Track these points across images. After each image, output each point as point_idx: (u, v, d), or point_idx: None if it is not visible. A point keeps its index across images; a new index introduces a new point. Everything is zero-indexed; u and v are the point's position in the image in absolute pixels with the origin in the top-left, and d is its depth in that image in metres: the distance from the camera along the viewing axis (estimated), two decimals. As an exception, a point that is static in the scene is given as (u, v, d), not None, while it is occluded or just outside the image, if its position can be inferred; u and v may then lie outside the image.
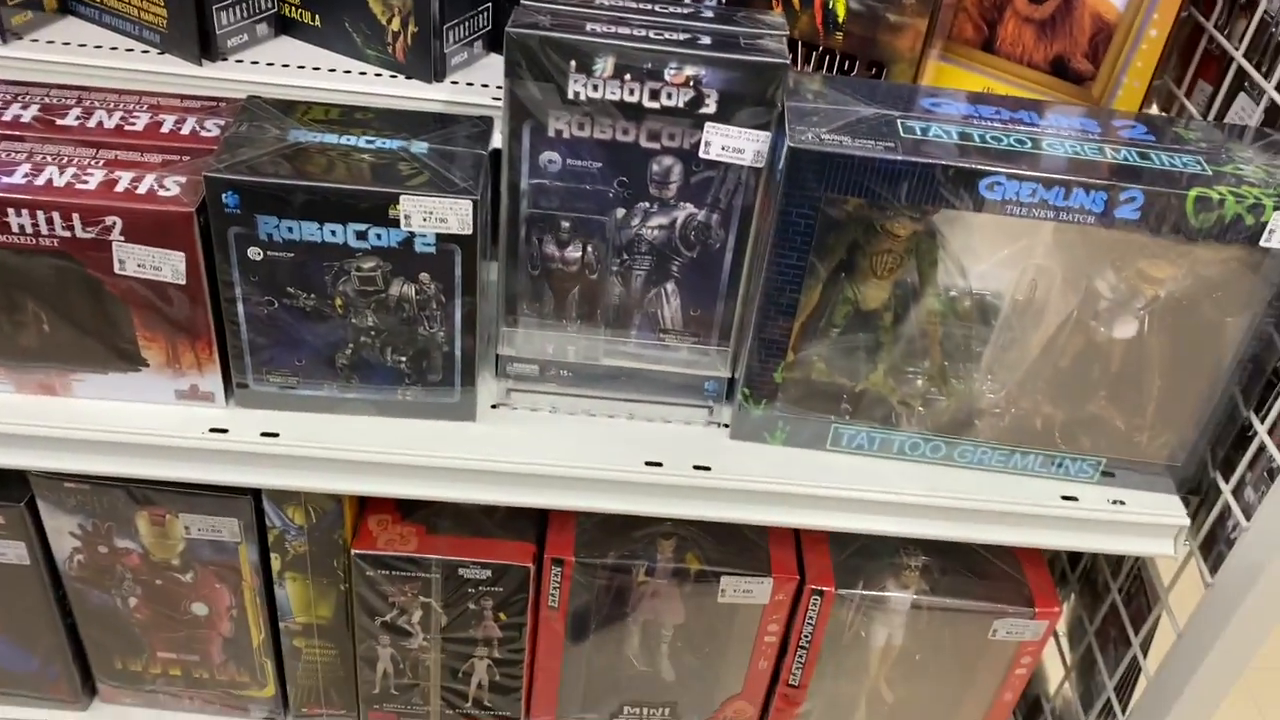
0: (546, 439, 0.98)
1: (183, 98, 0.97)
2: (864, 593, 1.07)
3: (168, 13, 0.99)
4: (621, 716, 1.21)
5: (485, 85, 1.02)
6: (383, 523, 1.06)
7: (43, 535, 1.03)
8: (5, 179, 0.84)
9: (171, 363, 0.92)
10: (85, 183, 0.84)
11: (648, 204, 0.94)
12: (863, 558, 1.09)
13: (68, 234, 0.84)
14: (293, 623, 1.10)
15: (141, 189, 0.84)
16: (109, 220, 0.83)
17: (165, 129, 0.92)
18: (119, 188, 0.84)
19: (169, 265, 0.86)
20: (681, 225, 0.95)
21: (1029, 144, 0.85)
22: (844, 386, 0.97)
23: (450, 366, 0.94)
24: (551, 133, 0.90)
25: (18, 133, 0.89)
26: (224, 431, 0.94)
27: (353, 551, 1.04)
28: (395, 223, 0.85)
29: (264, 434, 0.94)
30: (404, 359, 0.93)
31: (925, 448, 0.98)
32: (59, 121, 0.91)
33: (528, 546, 1.06)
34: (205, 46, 1.00)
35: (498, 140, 0.93)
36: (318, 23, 1.04)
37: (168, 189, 0.85)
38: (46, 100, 0.94)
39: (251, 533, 1.02)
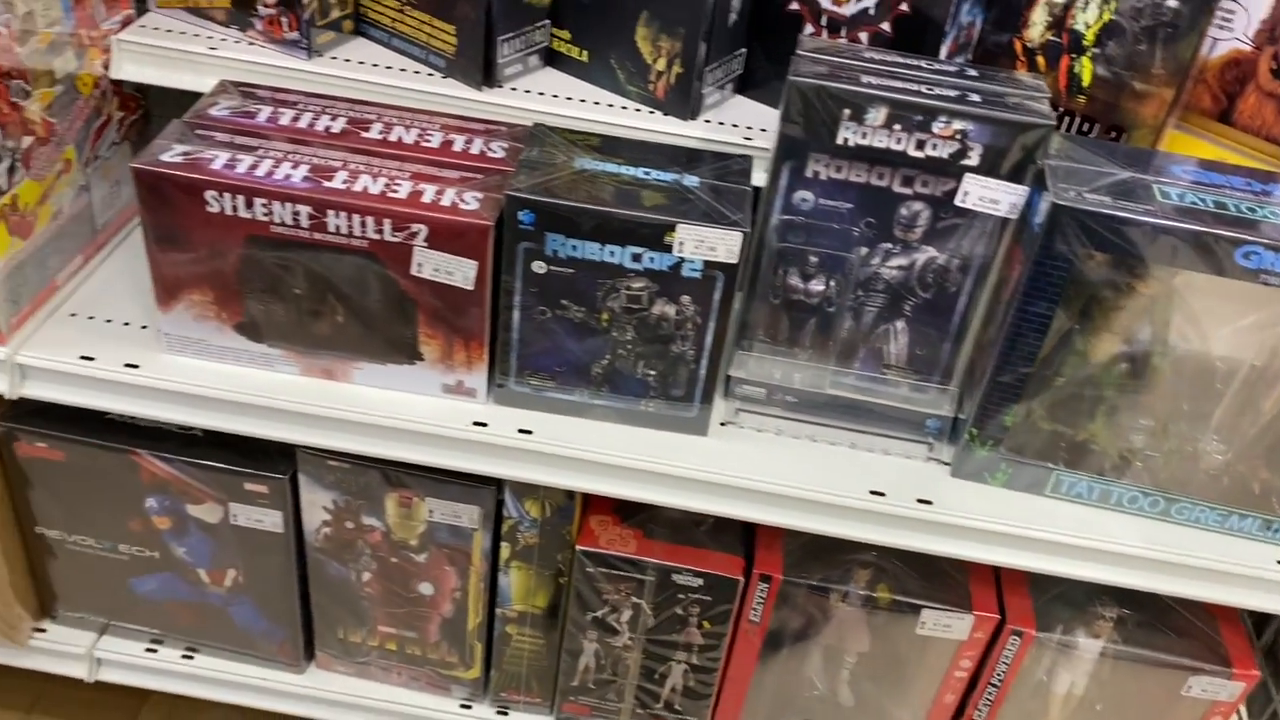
0: (773, 459, 1.04)
1: (465, 119, 1.07)
2: (1061, 637, 1.10)
3: (457, 42, 1.08)
4: (802, 733, 1.25)
5: (735, 125, 1.10)
6: (603, 523, 1.13)
7: (297, 507, 1.13)
8: (326, 184, 0.93)
9: (445, 359, 1.01)
10: (396, 192, 0.94)
11: (890, 245, 0.99)
12: (1060, 603, 1.12)
13: (377, 236, 0.93)
14: (509, 610, 1.18)
15: (445, 201, 0.93)
16: (415, 227, 0.92)
17: (456, 147, 1.01)
18: (425, 199, 0.93)
19: (461, 271, 0.95)
20: (921, 267, 1.00)
21: (1286, 216, 0.88)
22: (1066, 435, 1.01)
23: (693, 383, 1.01)
24: (810, 173, 0.97)
25: (331, 142, 0.99)
26: (484, 425, 1.02)
27: (577, 547, 1.11)
28: (669, 248, 0.92)
29: (520, 430, 1.02)
30: (653, 373, 1.00)
31: (1143, 501, 1.01)
32: (364, 134, 1.01)
33: (738, 560, 1.12)
34: (488, 74, 1.09)
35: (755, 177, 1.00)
36: (585, 58, 1.13)
37: (468, 203, 0.93)
38: (352, 114, 1.04)
39: (489, 521, 1.10)
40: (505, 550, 1.13)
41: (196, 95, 1.05)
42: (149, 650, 1.28)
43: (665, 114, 1.10)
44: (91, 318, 1.08)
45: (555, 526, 1.10)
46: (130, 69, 1.10)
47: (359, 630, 1.23)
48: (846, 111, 0.91)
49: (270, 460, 1.11)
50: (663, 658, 1.18)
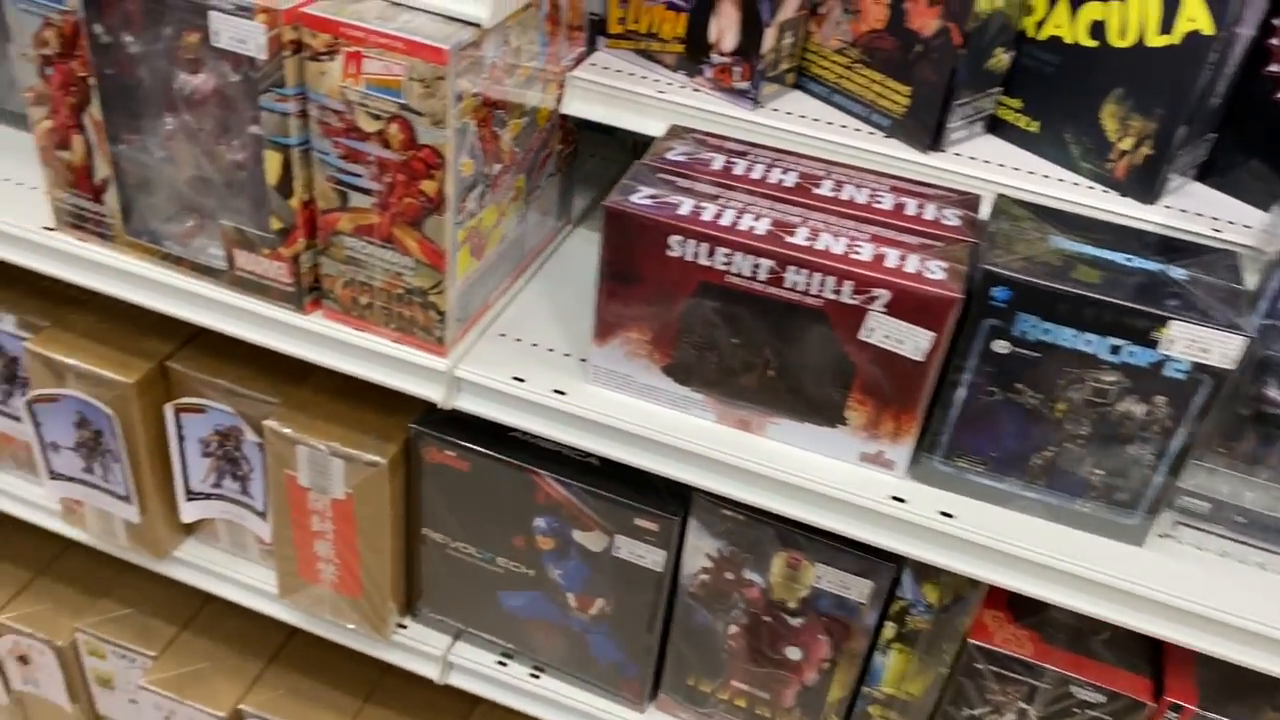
0: (1217, 581, 0.94)
1: (909, 181, 1.04)
2: None
3: (910, 103, 1.06)
4: None
5: (1199, 214, 1.02)
6: (998, 620, 1.07)
7: (680, 549, 1.13)
8: (788, 238, 0.92)
9: (870, 427, 0.98)
10: (858, 253, 0.91)
11: (1391, 366, 0.89)
12: None
13: (834, 297, 0.91)
14: (878, 690, 1.13)
15: (909, 268, 0.90)
16: (877, 292, 0.90)
17: (909, 211, 0.98)
18: (888, 263, 0.91)
19: (913, 341, 0.91)
20: None
21: None
22: None
23: (1143, 490, 0.93)
24: (1308, 277, 0.88)
25: (785, 195, 0.98)
26: (902, 501, 0.98)
27: (971, 641, 1.05)
28: (1154, 344, 0.85)
29: (941, 512, 0.97)
30: (1100, 472, 0.93)
31: None
32: (815, 190, 1.00)
33: (1145, 682, 1.03)
34: (935, 137, 1.06)
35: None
36: (1035, 129, 1.08)
37: (933, 272, 0.90)
38: (801, 169, 1.03)
39: (878, 598, 1.06)
40: (889, 630, 1.08)
41: (629, 134, 1.07)
42: (499, 663, 1.31)
43: (1123, 195, 1.03)
44: (519, 340, 1.12)
45: (951, 616, 1.05)
46: (579, 105, 1.14)
47: (711, 680, 1.22)
48: (1384, 216, 0.82)
49: (663, 500, 1.11)
50: (1038, 770, 1.10)
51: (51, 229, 1.16)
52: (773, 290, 0.93)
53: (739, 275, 0.93)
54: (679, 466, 1.04)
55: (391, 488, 1.19)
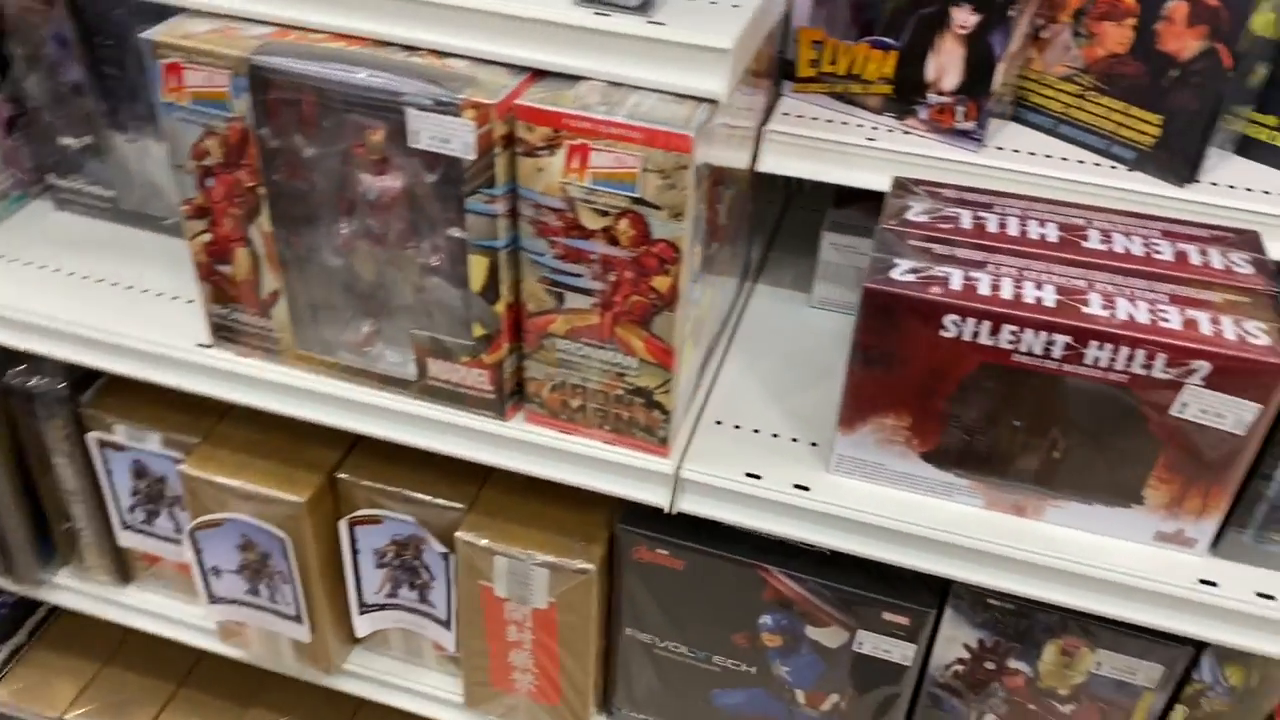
0: None
1: (1175, 221, 0.93)
2: None
3: (1162, 133, 0.95)
4: None
5: None
6: (1302, 694, 0.97)
7: (932, 641, 1.03)
8: (1083, 309, 0.82)
9: (1172, 505, 0.87)
10: (1166, 321, 0.81)
11: None
12: None
13: (1143, 372, 0.81)
14: (1159, 775, 1.03)
15: (1226, 334, 0.80)
16: (1195, 364, 0.79)
17: (1193, 260, 0.88)
18: (1202, 329, 0.80)
19: (1234, 414, 0.81)
20: None
21: None
22: None
23: None
24: None
25: (1052, 253, 0.88)
26: (1213, 585, 0.88)
27: (1280, 723, 0.95)
28: None
29: (1259, 594, 0.87)
30: None
31: None
32: (1083, 244, 0.89)
33: None
34: (1193, 169, 0.95)
35: None
36: (1294, 145, 0.97)
37: (1254, 336, 0.80)
38: (1058, 218, 0.92)
39: (1169, 681, 0.96)
40: (1179, 714, 0.98)
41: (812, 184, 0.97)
42: (710, 759, 1.22)
43: None
44: (737, 427, 1.02)
45: (1254, 698, 0.95)
46: (777, 161, 1.03)
47: (958, 769, 1.12)
48: None
49: (913, 591, 1.01)
50: None
51: (208, 345, 1.06)
52: (1070, 368, 0.83)
53: (1029, 354, 0.83)
54: (942, 561, 0.94)
55: (598, 591, 1.09)
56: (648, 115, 0.80)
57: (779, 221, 1.33)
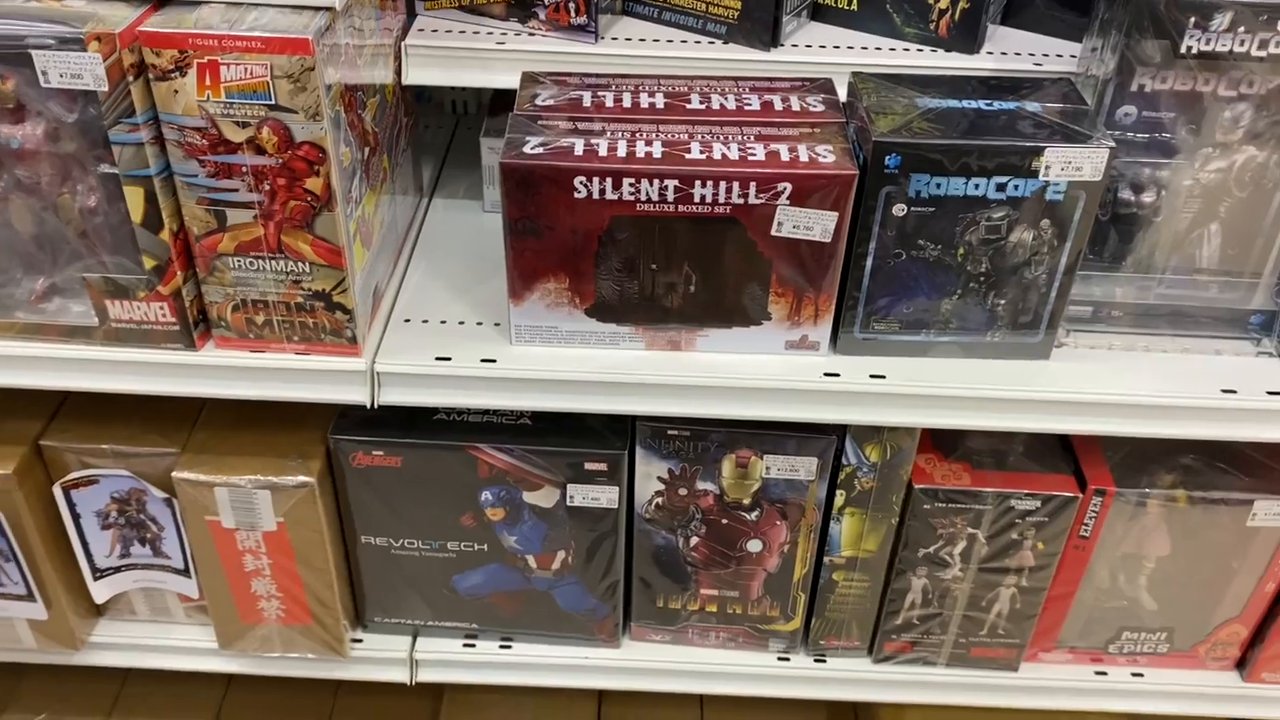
0: (1117, 372, 1.06)
1: (762, 79, 1.08)
2: (1396, 512, 1.13)
3: (742, 5, 1.10)
4: (1119, 642, 1.28)
5: (1018, 54, 1.12)
6: (930, 461, 1.16)
7: (631, 481, 1.16)
8: (686, 155, 0.95)
9: (792, 316, 1.03)
10: (753, 155, 0.95)
11: (1210, 149, 1.01)
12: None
13: (741, 201, 0.95)
14: (838, 557, 1.20)
15: (802, 157, 0.95)
16: (781, 186, 0.94)
17: (777, 107, 1.03)
18: (783, 158, 0.95)
19: (820, 225, 0.97)
20: (1239, 168, 1.02)
21: None
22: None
23: (1041, 308, 1.03)
24: (1134, 88, 0.99)
25: (663, 117, 1.01)
26: (836, 375, 1.04)
27: (916, 486, 1.13)
28: (1035, 173, 0.94)
29: (872, 376, 1.04)
30: (1002, 302, 1.02)
31: None
32: (688, 106, 1.03)
33: (1069, 479, 1.15)
34: (774, 34, 1.11)
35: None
36: (854, 7, 1.15)
37: (824, 156, 0.95)
38: (665, 89, 1.05)
39: (825, 471, 1.13)
40: (840, 498, 1.15)
41: (451, 98, 1.06)
42: (466, 645, 1.31)
43: (948, 50, 1.12)
44: (425, 321, 1.10)
45: (893, 469, 1.13)
46: (420, 73, 1.12)
47: (679, 597, 1.26)
48: (1193, 19, 0.93)
49: (605, 438, 1.13)
50: (992, 584, 1.21)
51: (-128, 331, 1.04)
52: (684, 208, 0.96)
53: (648, 201, 0.95)
54: (621, 401, 1.06)
55: (323, 504, 1.15)
56: (268, 27, 0.86)
57: (449, 145, 1.42)
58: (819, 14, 1.17)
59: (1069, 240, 0.98)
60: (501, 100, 1.31)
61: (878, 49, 1.13)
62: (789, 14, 1.11)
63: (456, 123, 1.47)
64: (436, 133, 1.42)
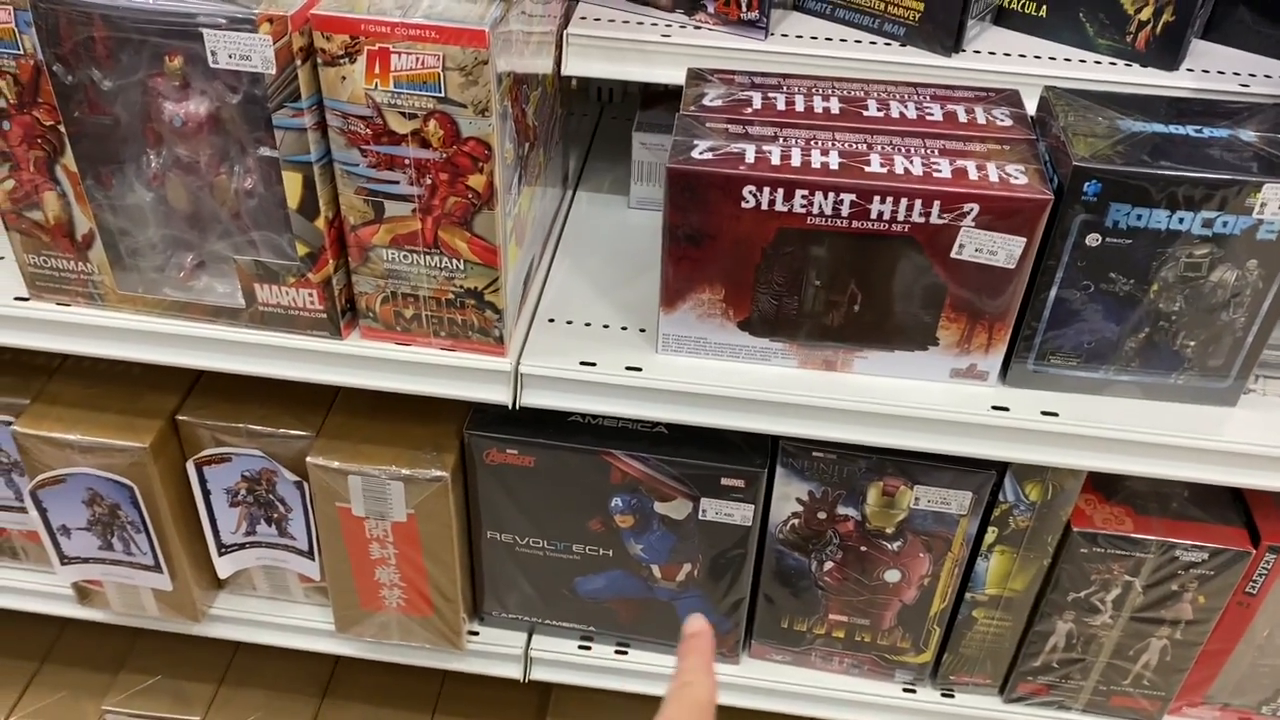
0: (1307, 425, 0.98)
1: (944, 86, 1.01)
2: None
3: (925, 6, 1.03)
4: (1275, 704, 1.20)
5: (1221, 72, 1.03)
6: (1091, 503, 1.09)
7: (769, 500, 1.11)
8: (865, 169, 0.89)
9: (962, 343, 0.97)
10: (938, 171, 0.89)
11: None
12: None
13: (922, 220, 0.89)
14: (981, 594, 1.14)
15: (992, 177, 0.89)
16: (967, 207, 0.88)
17: (961, 118, 0.96)
18: (971, 176, 0.89)
19: (1005, 250, 0.90)
20: None
21: None
22: None
23: (1236, 353, 0.95)
24: (1361, 119, 0.90)
25: (839, 124, 0.95)
26: (1005, 410, 0.98)
27: (1075, 529, 1.07)
28: (1248, 210, 0.86)
29: (1044, 413, 0.98)
30: (1192, 344, 0.95)
31: None
32: (864, 113, 0.97)
33: (1242, 532, 1.07)
34: (957, 39, 1.04)
35: None
36: (1042, 13, 1.07)
37: (1015, 177, 0.89)
38: (839, 93, 0.99)
39: (979, 507, 1.07)
40: (991, 535, 1.09)
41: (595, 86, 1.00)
42: (581, 647, 1.28)
43: (1144, 65, 1.04)
44: (570, 322, 1.06)
45: (1053, 509, 1.06)
46: (580, 64, 1.08)
47: (806, 619, 1.21)
48: None
49: (745, 454, 1.09)
50: (1144, 634, 1.13)
51: (25, 299, 1.04)
52: (859, 224, 0.90)
53: (820, 215, 0.90)
54: (767, 419, 1.01)
55: (454, 498, 1.13)
56: (442, 15, 0.83)
57: (593, 134, 1.38)
58: (1003, 18, 1.10)
59: (1276, 284, 0.90)
60: (653, 91, 1.27)
61: (1067, 60, 1.05)
62: (974, 17, 1.04)
63: (601, 110, 1.42)
64: (581, 120, 1.38)
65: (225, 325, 1.01)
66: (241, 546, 1.24)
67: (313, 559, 1.23)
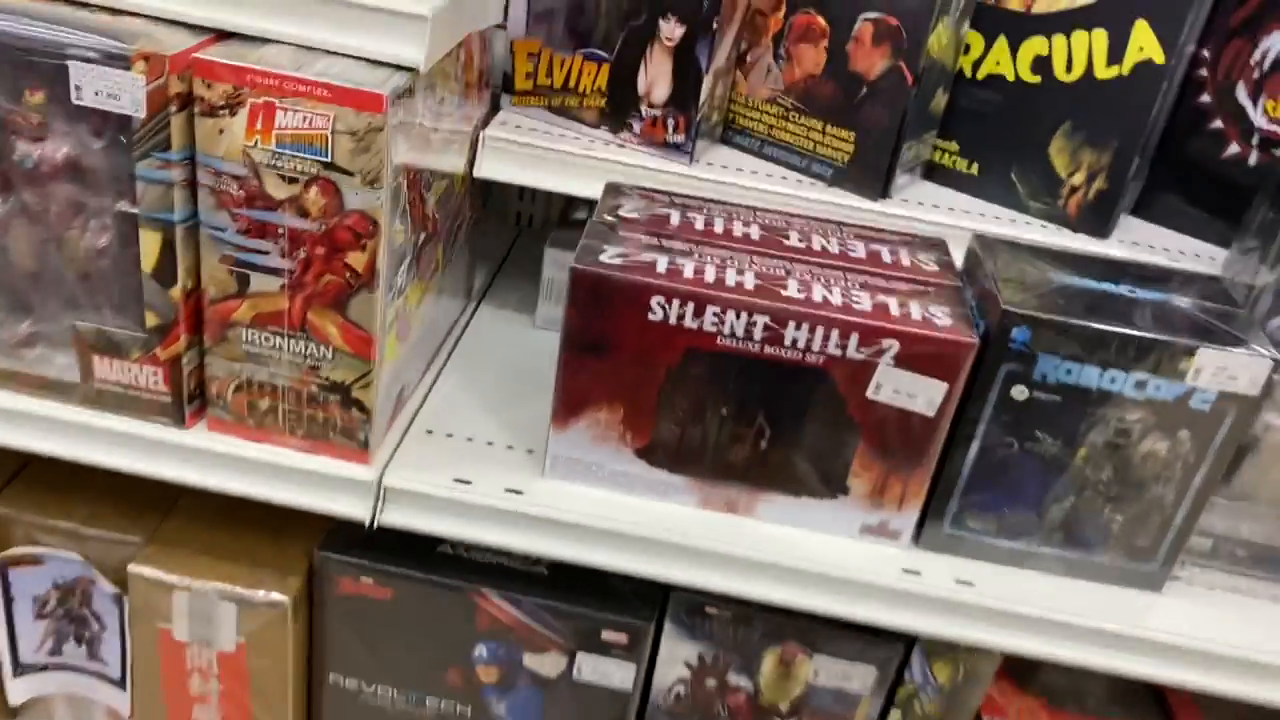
0: (1235, 621, 0.90)
1: (869, 228, 0.97)
2: None
3: (855, 149, 1.00)
4: None
5: (1151, 246, 1.01)
6: (1005, 692, 0.99)
7: (653, 661, 0.99)
8: (782, 292, 0.83)
9: (874, 495, 0.88)
10: (858, 303, 0.83)
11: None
12: None
13: (838, 353, 0.82)
14: (879, 789, 1.02)
15: (914, 315, 0.83)
16: (886, 343, 0.81)
17: (885, 258, 0.91)
18: (893, 311, 0.83)
19: (925, 395, 0.83)
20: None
21: None
22: None
23: (1164, 533, 0.88)
24: (1294, 296, 0.87)
25: (757, 249, 0.89)
26: (917, 574, 0.89)
27: (985, 718, 0.96)
28: (1182, 375, 0.81)
29: (958, 581, 0.89)
30: (1119, 518, 0.88)
31: None
32: (785, 241, 0.91)
33: (1163, 737, 0.98)
34: (886, 184, 1.00)
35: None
36: (974, 171, 1.05)
37: (939, 318, 0.83)
38: (761, 220, 0.94)
39: (883, 685, 0.96)
40: (895, 718, 0.98)
41: (513, 207, 0.95)
42: (426, 821, 1.11)
43: (1075, 231, 1.01)
44: (449, 435, 0.96)
45: (964, 694, 0.96)
46: (495, 166, 1.01)
47: (684, 806, 1.07)
48: (1379, 229, 0.82)
49: (631, 605, 0.97)
50: None
51: None
52: (770, 350, 0.83)
53: (732, 336, 0.83)
54: (656, 562, 0.90)
55: (294, 629, 0.99)
56: (340, 76, 0.76)
57: (507, 254, 1.31)
58: (933, 173, 1.07)
59: (1208, 460, 0.84)
60: (573, 219, 1.21)
61: (997, 218, 1.02)
62: (904, 169, 1.01)
63: (518, 234, 1.36)
64: (495, 240, 1.32)
65: (54, 401, 0.89)
66: (43, 668, 1.07)
67: (123, 689, 1.06)
